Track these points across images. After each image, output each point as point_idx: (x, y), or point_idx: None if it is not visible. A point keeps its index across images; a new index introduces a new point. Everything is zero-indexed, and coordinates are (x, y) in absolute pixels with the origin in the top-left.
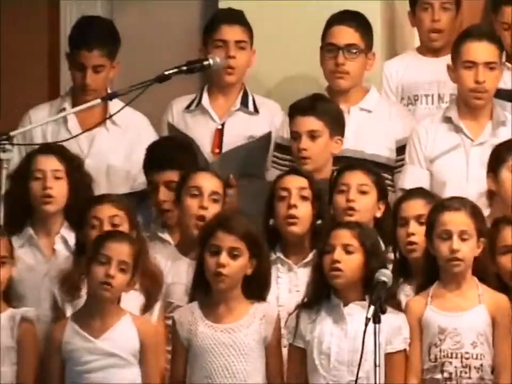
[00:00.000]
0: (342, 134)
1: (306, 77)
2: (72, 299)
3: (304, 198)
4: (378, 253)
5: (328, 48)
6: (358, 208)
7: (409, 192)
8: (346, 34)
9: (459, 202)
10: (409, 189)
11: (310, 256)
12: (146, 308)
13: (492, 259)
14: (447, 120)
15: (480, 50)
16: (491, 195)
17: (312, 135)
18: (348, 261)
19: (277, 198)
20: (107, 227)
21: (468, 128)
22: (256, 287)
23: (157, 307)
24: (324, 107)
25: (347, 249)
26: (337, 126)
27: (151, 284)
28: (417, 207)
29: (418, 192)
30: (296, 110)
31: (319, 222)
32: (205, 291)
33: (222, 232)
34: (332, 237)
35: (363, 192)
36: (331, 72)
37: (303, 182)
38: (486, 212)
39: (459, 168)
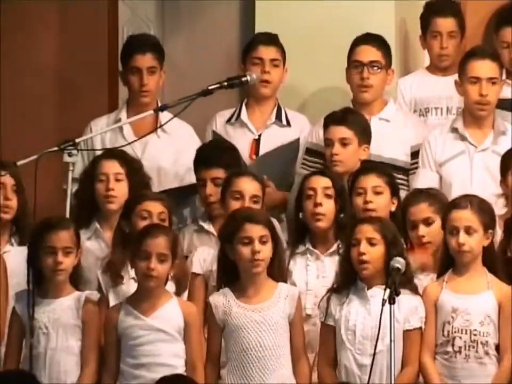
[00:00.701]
0: (369, 143)
1: (337, 89)
2: (115, 285)
3: (328, 196)
4: (397, 243)
5: (355, 65)
6: (375, 207)
7: (413, 196)
8: (370, 53)
9: (466, 201)
10: (413, 193)
11: (335, 246)
12: (177, 294)
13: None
14: (454, 130)
15: (484, 67)
16: (507, 197)
17: (344, 143)
18: (372, 252)
19: (305, 196)
20: (156, 220)
21: (472, 137)
22: (276, 268)
23: (185, 294)
24: (354, 119)
25: (371, 242)
26: (365, 135)
27: (180, 274)
28: (422, 210)
29: (422, 196)
30: (330, 120)
31: (341, 216)
32: (232, 277)
33: (250, 224)
34: (357, 232)
35: (378, 193)
36: (357, 86)
37: (327, 182)
38: (503, 211)
39: (464, 172)
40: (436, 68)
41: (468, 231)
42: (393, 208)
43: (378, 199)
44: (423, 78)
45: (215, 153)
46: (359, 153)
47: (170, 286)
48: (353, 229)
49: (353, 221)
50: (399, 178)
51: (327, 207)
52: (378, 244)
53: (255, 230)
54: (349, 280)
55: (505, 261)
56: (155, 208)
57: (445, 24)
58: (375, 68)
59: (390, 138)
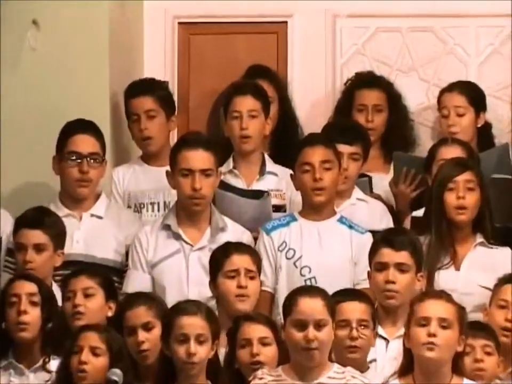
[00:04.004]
0: (63, 247)
1: (42, 185)
2: None
3: (33, 303)
4: (123, 354)
5: (71, 158)
6: (85, 311)
7: (131, 299)
8: (88, 145)
9: (195, 306)
10: (130, 295)
11: (41, 361)
12: None
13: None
14: (167, 227)
15: (196, 158)
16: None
17: (39, 248)
18: (94, 362)
19: (8, 304)
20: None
21: (187, 234)
22: None
23: None
24: (50, 222)
25: (94, 352)
26: (60, 239)
27: None
28: (141, 315)
29: (139, 298)
30: (23, 223)
31: (49, 325)
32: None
33: None
34: (81, 339)
35: (87, 296)
36: (75, 180)
37: (32, 287)
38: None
39: (179, 272)
40: (147, 156)
41: (199, 339)
42: (110, 313)
43: (88, 303)
44: (138, 169)
45: None
46: (54, 259)
47: None
48: (78, 335)
49: (79, 328)
50: (114, 280)
51: (32, 315)
52: (102, 354)
53: None
54: None
55: (232, 371)
56: None
57: (143, 104)
58: (94, 161)
59: (103, 236)
